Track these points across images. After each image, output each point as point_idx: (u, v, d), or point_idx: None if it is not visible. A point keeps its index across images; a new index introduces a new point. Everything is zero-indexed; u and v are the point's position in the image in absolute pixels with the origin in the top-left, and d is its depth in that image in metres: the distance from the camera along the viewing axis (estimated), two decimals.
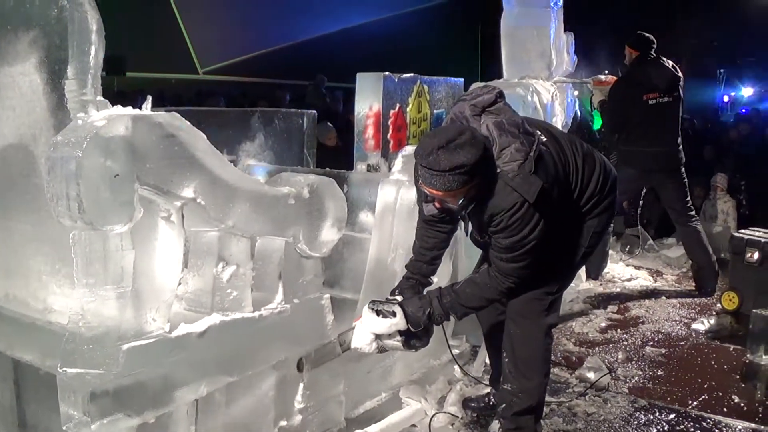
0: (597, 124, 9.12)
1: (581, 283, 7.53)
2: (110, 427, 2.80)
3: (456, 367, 5.10)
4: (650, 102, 7.26)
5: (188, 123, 2.99)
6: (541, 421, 4.31)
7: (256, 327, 3.44)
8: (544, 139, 3.56)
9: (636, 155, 7.25)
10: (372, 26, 19.97)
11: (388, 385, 4.61)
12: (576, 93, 8.20)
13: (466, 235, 3.90)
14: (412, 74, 5.92)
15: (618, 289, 7.66)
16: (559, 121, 7.36)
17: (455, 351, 5.16)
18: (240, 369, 3.38)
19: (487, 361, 4.77)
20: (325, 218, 3.72)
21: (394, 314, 3.67)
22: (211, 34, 17.57)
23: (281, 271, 3.59)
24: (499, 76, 7.62)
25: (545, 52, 7.49)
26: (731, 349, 5.97)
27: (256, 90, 16.35)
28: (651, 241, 9.18)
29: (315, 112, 6.19)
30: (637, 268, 8.48)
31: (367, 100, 5.65)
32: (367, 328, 3.72)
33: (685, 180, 7.45)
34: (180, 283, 3.21)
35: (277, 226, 3.46)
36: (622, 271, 8.28)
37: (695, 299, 7.31)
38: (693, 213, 7.50)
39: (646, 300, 7.27)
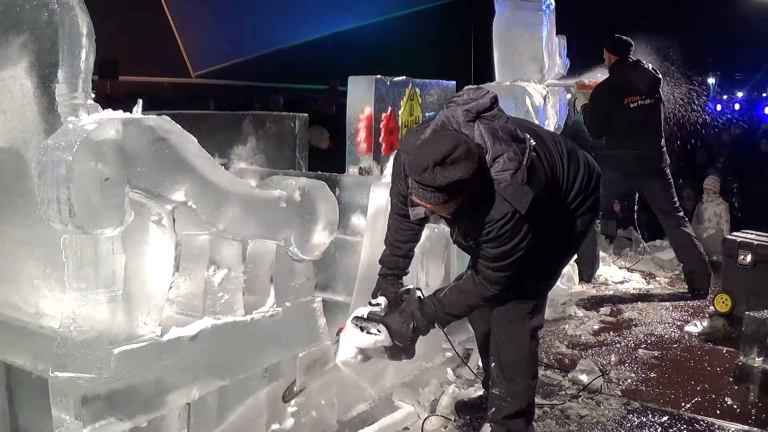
0: None
1: (574, 286, 7.54)
2: (102, 430, 2.80)
3: (449, 369, 5.10)
4: (632, 105, 7.29)
5: (179, 126, 2.98)
6: (534, 424, 4.30)
7: (248, 330, 3.43)
8: (534, 144, 3.52)
9: (619, 158, 7.26)
10: (364, 30, 19.99)
11: (380, 388, 4.60)
12: (568, 96, 8.20)
13: (451, 238, 3.89)
14: (404, 77, 5.91)
15: (611, 292, 7.66)
16: (552, 123, 7.39)
17: (448, 354, 5.18)
18: (232, 372, 3.38)
19: (480, 363, 4.77)
20: (316, 221, 3.71)
21: (378, 332, 3.67)
22: (204, 38, 17.59)
23: (273, 275, 3.59)
24: (492, 78, 7.64)
25: (537, 55, 7.52)
26: (724, 351, 5.98)
27: (249, 93, 16.34)
28: (644, 244, 9.19)
29: (306, 115, 6.19)
30: (630, 270, 8.49)
31: (359, 103, 5.65)
32: (352, 343, 3.73)
33: (671, 181, 7.47)
34: (171, 287, 3.20)
35: (268, 230, 3.46)
36: (615, 273, 8.28)
37: (688, 302, 7.33)
38: (682, 215, 7.51)
39: (639, 302, 7.27)
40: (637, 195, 8.41)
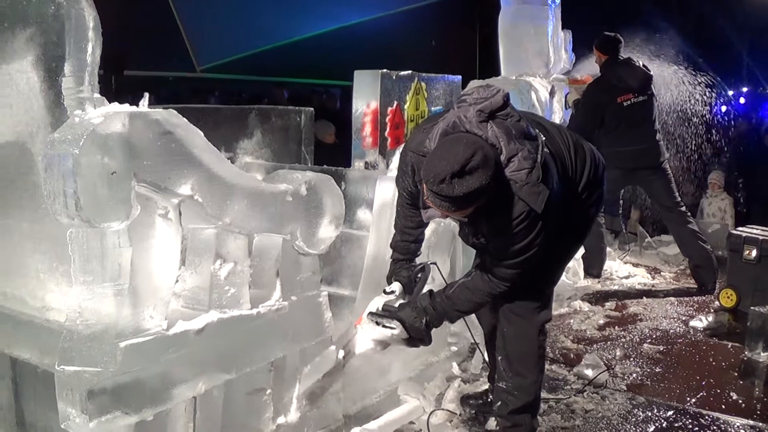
0: None
1: (579, 281, 7.54)
2: (108, 424, 2.80)
3: (454, 363, 5.11)
4: (625, 104, 7.28)
5: (185, 120, 2.98)
6: (539, 418, 4.31)
7: (254, 324, 3.43)
8: (544, 139, 3.48)
9: (617, 156, 7.21)
10: (370, 24, 19.93)
11: (386, 382, 4.61)
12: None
13: (460, 235, 3.89)
14: (409, 71, 5.91)
15: (616, 287, 7.67)
16: (557, 118, 7.37)
17: (454, 348, 5.18)
18: (238, 366, 3.38)
19: (486, 357, 4.77)
20: (322, 215, 3.71)
21: (394, 327, 3.67)
22: (209, 32, 17.53)
23: (279, 269, 3.58)
24: (497, 73, 7.63)
25: (543, 50, 7.51)
26: (729, 346, 5.98)
27: (254, 88, 16.32)
28: (649, 239, 9.18)
29: (312, 109, 6.19)
30: (635, 265, 8.49)
31: (365, 98, 5.65)
32: (369, 336, 3.73)
33: (671, 176, 7.45)
34: (177, 281, 3.20)
35: (274, 223, 3.46)
36: (620, 268, 8.29)
37: (693, 296, 7.33)
38: (684, 209, 7.48)
39: (644, 297, 7.27)
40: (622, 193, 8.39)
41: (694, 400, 4.93)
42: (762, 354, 5.61)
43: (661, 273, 8.27)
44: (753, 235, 6.74)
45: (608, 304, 6.99)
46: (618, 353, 5.69)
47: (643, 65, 7.40)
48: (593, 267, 7.76)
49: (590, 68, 8.05)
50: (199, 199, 3.00)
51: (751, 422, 4.62)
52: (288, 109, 6.03)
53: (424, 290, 3.85)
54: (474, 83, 5.32)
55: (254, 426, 3.57)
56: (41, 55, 3.07)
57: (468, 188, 3.11)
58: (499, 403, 4.12)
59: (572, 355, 5.63)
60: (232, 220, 3.19)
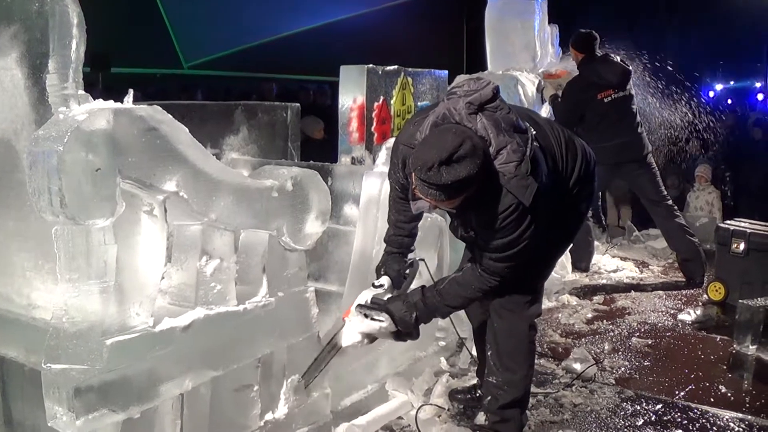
0: None
1: (567, 275, 7.55)
2: (95, 422, 2.80)
3: (442, 358, 5.11)
4: (605, 100, 7.26)
5: (170, 116, 2.97)
6: (528, 413, 4.32)
7: (241, 320, 3.43)
8: (534, 133, 3.49)
9: (600, 152, 7.16)
10: (357, 20, 19.93)
11: (374, 377, 4.61)
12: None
13: (451, 229, 3.89)
14: (396, 66, 5.90)
15: (604, 281, 7.68)
16: (544, 112, 7.37)
17: (442, 343, 5.18)
18: (225, 363, 3.38)
19: (474, 352, 4.77)
20: (308, 211, 3.71)
21: (382, 319, 3.66)
22: (196, 28, 17.51)
23: (265, 265, 3.58)
24: (484, 68, 7.64)
25: (530, 44, 7.52)
26: (718, 339, 5.99)
27: (242, 84, 16.29)
28: (636, 233, 9.20)
29: (299, 105, 6.18)
30: (623, 259, 8.51)
31: (351, 93, 5.64)
32: (357, 329, 3.72)
33: (656, 170, 7.45)
34: (163, 277, 3.20)
35: (260, 219, 3.45)
36: (608, 262, 8.30)
37: (681, 290, 7.34)
38: (671, 203, 7.49)
39: (633, 291, 7.29)
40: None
41: (682, 393, 4.94)
42: (750, 347, 5.62)
43: (650, 267, 8.29)
44: (741, 228, 6.76)
45: (596, 298, 7.00)
46: (606, 347, 5.70)
47: (621, 60, 7.39)
48: (581, 261, 7.78)
49: (566, 64, 8.02)
50: (184, 195, 2.99)
51: (740, 415, 4.63)
52: (274, 105, 6.03)
53: (413, 286, 3.85)
54: (461, 78, 5.32)
55: (242, 422, 3.56)
56: (25, 52, 3.07)
57: (456, 176, 3.12)
58: (489, 397, 4.12)
59: (560, 349, 5.63)
60: (217, 216, 3.19)
